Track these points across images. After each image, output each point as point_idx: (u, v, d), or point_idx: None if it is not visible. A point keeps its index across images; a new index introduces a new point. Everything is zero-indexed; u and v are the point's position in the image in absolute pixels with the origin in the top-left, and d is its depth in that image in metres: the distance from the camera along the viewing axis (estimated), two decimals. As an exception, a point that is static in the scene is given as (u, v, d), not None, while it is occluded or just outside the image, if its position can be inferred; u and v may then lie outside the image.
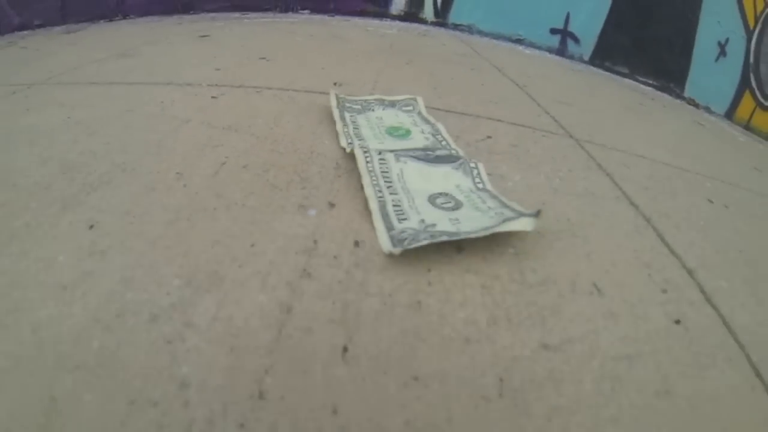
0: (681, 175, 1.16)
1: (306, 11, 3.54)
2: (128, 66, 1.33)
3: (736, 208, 1.10)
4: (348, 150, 0.77)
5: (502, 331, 0.46)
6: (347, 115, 0.90)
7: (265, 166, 0.71)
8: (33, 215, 0.60)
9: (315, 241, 0.53)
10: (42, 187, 0.66)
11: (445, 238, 0.55)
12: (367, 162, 0.72)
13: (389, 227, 0.58)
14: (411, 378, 0.42)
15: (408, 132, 0.86)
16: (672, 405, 0.44)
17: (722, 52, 3.96)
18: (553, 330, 0.48)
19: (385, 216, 0.61)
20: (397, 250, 0.53)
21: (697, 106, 3.78)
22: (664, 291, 0.56)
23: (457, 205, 0.64)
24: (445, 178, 0.70)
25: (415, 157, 0.74)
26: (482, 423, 0.40)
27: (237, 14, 3.15)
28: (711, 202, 1.05)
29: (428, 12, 3.67)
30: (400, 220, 0.60)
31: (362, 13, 3.57)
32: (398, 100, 1.00)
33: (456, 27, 3.67)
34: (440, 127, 0.89)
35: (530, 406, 0.42)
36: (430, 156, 0.76)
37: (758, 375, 0.52)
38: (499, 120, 1.03)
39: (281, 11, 3.49)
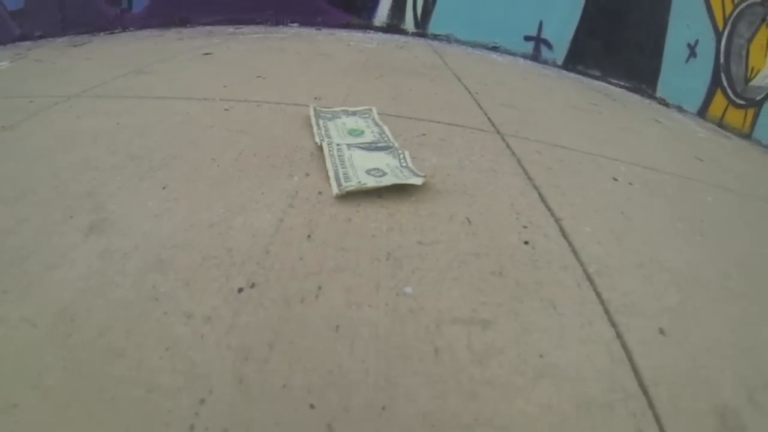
0: (596, 160, 1.45)
1: (295, 24, 3.83)
2: (150, 82, 1.64)
3: (642, 185, 1.39)
4: (318, 144, 1.10)
5: (395, 234, 0.78)
6: (321, 121, 1.24)
7: (267, 154, 1.06)
8: (121, 184, 0.93)
9: (296, 191, 0.86)
10: (119, 168, 0.98)
11: (368, 186, 0.90)
12: (329, 150, 1.05)
13: (338, 184, 0.90)
14: (340, 249, 0.71)
15: (362, 132, 1.18)
16: (503, 282, 0.73)
17: (692, 54, 4.29)
18: (427, 236, 0.78)
19: (336, 178, 0.93)
20: (340, 192, 0.87)
21: (667, 105, 4.10)
22: (525, 227, 0.85)
23: (383, 174, 0.96)
24: (379, 159, 1.01)
25: (361, 147, 1.07)
26: (371, 275, 0.69)
27: (231, 28, 3.46)
28: (615, 180, 1.34)
29: (409, 23, 3.96)
30: (345, 181, 0.92)
31: (348, 26, 3.87)
32: (358, 110, 1.33)
33: (435, 37, 3.96)
34: (385, 128, 1.20)
35: (404, 268, 0.70)
36: (372, 146, 1.08)
37: (591, 282, 0.80)
38: (438, 122, 1.33)
39: (272, 25, 3.78)
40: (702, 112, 4.48)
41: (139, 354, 0.54)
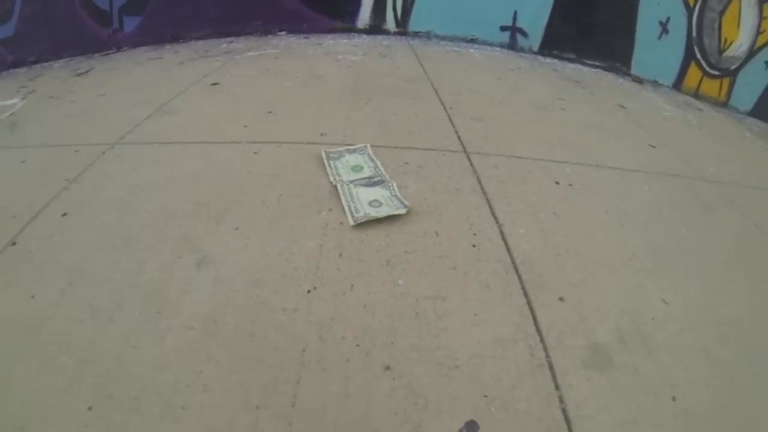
0: (545, 166, 1.92)
1: (283, 33, 4.29)
2: (177, 124, 2.07)
3: (581, 185, 1.85)
4: (333, 183, 1.56)
5: (390, 248, 1.28)
6: (331, 162, 1.69)
7: (298, 194, 1.51)
8: (204, 228, 1.39)
9: (326, 224, 1.34)
10: (195, 215, 1.42)
11: (371, 216, 1.36)
12: (341, 189, 1.51)
13: (352, 217, 1.37)
14: (359, 260, 1.21)
15: (362, 167, 1.65)
16: (456, 273, 1.23)
17: (664, 30, 4.77)
18: (410, 247, 1.28)
19: (350, 212, 1.39)
20: (354, 223, 1.33)
21: (641, 82, 4.58)
22: (475, 234, 1.34)
23: (380, 204, 1.42)
24: (376, 192, 1.49)
25: (363, 184, 1.54)
26: (379, 275, 1.19)
27: (224, 44, 3.88)
28: (557, 183, 1.83)
29: (390, 23, 4.40)
30: (356, 213, 1.39)
31: (332, 30, 4.32)
32: (357, 148, 1.79)
33: (416, 35, 4.40)
34: (378, 163, 1.67)
35: (397, 269, 1.20)
36: (370, 182, 1.55)
37: (516, 270, 1.30)
38: (416, 148, 1.80)
39: (261, 35, 4.24)
40: (677, 85, 4.99)
41: (263, 333, 1.03)
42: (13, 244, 1.38)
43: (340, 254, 1.26)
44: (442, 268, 1.23)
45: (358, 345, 1.04)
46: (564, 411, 0.98)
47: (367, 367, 1.00)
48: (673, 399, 1.07)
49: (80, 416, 0.95)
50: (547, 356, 1.08)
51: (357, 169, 1.64)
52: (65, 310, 1.15)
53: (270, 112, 2.15)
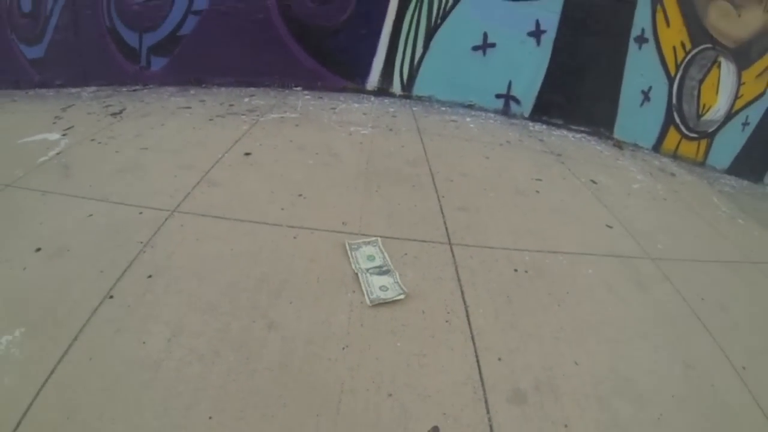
0: (509, 255, 2.75)
1: (299, 88, 5.12)
2: (225, 199, 2.81)
3: (535, 271, 2.68)
4: (354, 271, 2.37)
5: (395, 322, 2.12)
6: (352, 253, 2.48)
7: (330, 278, 2.31)
8: (267, 301, 2.19)
9: (352, 302, 2.18)
10: (257, 289, 2.20)
11: (381, 299, 2.21)
12: (360, 276, 2.33)
13: (368, 298, 2.19)
14: (375, 330, 2.09)
15: (374, 257, 2.45)
16: (434, 341, 2.13)
17: (646, 98, 5.73)
18: (407, 322, 2.16)
19: (367, 294, 2.21)
20: (371, 304, 2.16)
21: (621, 147, 5.47)
22: (448, 313, 2.25)
23: (387, 289, 2.25)
24: (384, 280, 2.32)
25: (375, 273, 2.37)
26: (389, 342, 2.07)
27: (247, 98, 4.60)
28: (516, 270, 2.69)
29: (396, 87, 5.22)
30: (371, 295, 2.21)
31: (344, 89, 5.16)
32: (371, 240, 2.57)
33: (419, 99, 5.26)
34: (386, 255, 2.48)
35: (399, 336, 2.10)
36: (380, 271, 2.37)
37: (473, 339, 2.20)
38: (414, 240, 2.66)
39: (279, 87, 5.07)
40: (656, 148, 5.93)
41: (316, 373, 1.88)
42: (111, 297, 2.06)
43: (362, 324, 2.10)
44: (425, 336, 2.09)
45: (373, 381, 1.86)
46: (491, 426, 1.85)
47: (377, 393, 1.82)
48: (565, 426, 1.94)
49: (204, 423, 1.67)
50: (485, 393, 1.93)
51: (371, 258, 2.49)
52: (175, 354, 1.85)
53: (300, 195, 2.96)
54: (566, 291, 2.61)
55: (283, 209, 2.83)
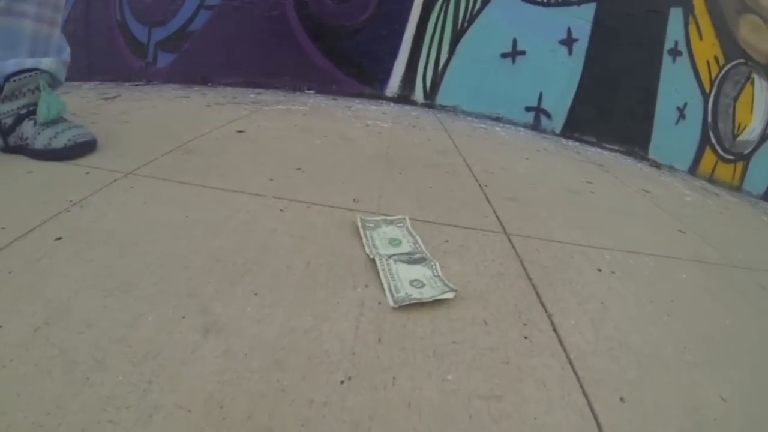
0: (585, 252, 1.81)
1: (312, 91, 4.26)
2: (198, 166, 1.87)
3: (622, 272, 1.74)
4: (370, 257, 1.40)
5: (436, 336, 1.11)
6: (367, 232, 1.53)
7: (330, 264, 1.32)
8: (216, 287, 1.14)
9: (363, 301, 1.16)
10: (208, 269, 1.21)
11: (413, 298, 1.21)
12: (380, 264, 1.34)
13: (393, 298, 1.23)
14: (402, 349, 1.06)
15: (400, 242, 1.51)
16: (509, 368, 1.09)
17: (681, 116, 4.73)
18: (458, 336, 1.13)
19: (390, 291, 1.23)
20: (395, 305, 1.17)
21: (659, 167, 4.51)
22: (525, 324, 1.20)
23: (422, 285, 1.28)
24: (418, 271, 1.35)
25: (403, 261, 1.41)
26: (424, 367, 1.05)
27: (252, 94, 3.79)
28: (600, 270, 1.70)
29: (418, 95, 4.38)
30: (396, 293, 1.23)
31: (361, 95, 4.30)
32: (395, 219, 1.64)
33: (442, 108, 4.37)
34: (418, 238, 1.54)
35: (445, 361, 1.07)
36: (410, 259, 1.41)
37: (572, 365, 1.16)
38: (456, 226, 1.69)
39: (290, 90, 4.20)
40: (693, 170, 4.91)
41: (282, 429, 0.83)
42: (-6, 260, 1.14)
43: (379, 339, 1.10)
44: (494, 362, 1.09)
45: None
46: None
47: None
48: None
49: None
50: (615, 466, 0.93)
51: (395, 242, 1.51)
52: (35, 353, 0.88)
53: (299, 169, 2.02)
54: (670, 299, 1.65)
55: (272, 180, 1.89)
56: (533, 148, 3.62)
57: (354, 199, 1.81)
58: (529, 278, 1.47)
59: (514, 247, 1.66)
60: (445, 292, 1.26)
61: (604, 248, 1.89)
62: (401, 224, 1.65)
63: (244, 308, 1.11)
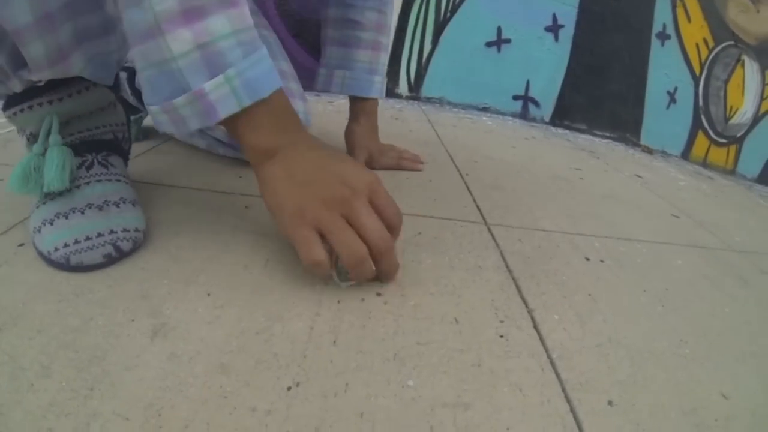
0: (572, 240, 1.67)
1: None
2: (161, 159, 1.83)
3: (613, 261, 1.61)
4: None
5: (399, 337, 0.97)
6: None
7: (289, 260, 1.21)
8: (169, 288, 1.02)
9: (320, 301, 1.06)
10: (164, 270, 1.09)
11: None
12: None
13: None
14: (359, 352, 0.93)
15: None
16: (481, 371, 0.95)
17: (672, 100, 4.60)
18: (423, 337, 0.99)
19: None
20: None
21: (651, 152, 4.37)
22: (502, 321, 1.06)
23: None
24: None
25: None
26: (383, 372, 0.92)
27: None
28: (588, 259, 1.57)
29: (403, 88, 4.23)
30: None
31: (343, 90, 4.16)
32: None
33: (428, 100, 4.23)
34: None
35: (407, 365, 0.93)
36: None
37: (553, 366, 1.02)
38: (431, 217, 1.54)
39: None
40: (685, 154, 4.79)
41: None
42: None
43: (334, 341, 0.96)
44: (464, 364, 0.95)
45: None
46: None
47: None
48: None
49: None
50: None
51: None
52: None
53: None
54: (665, 287, 1.52)
55: (241, 177, 1.74)
56: (521, 136, 3.48)
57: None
58: (509, 270, 1.33)
59: (494, 237, 1.52)
60: None
61: (594, 236, 1.75)
62: None
63: (195, 309, 0.98)
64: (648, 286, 1.48)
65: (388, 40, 1.67)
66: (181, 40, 0.70)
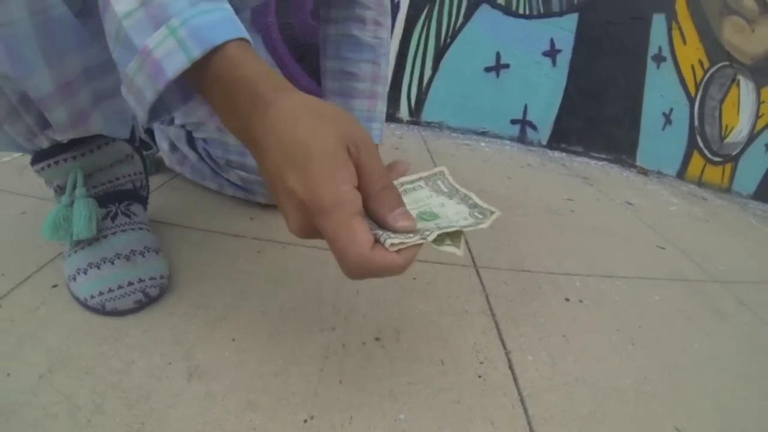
0: (555, 280, 1.87)
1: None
2: (178, 202, 1.85)
3: (591, 300, 1.79)
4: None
5: (394, 377, 1.19)
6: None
7: (300, 307, 1.38)
8: (198, 332, 1.19)
9: (327, 346, 1.27)
10: (191, 316, 1.23)
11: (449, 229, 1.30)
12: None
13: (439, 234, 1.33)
14: (360, 390, 1.14)
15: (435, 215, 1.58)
16: (460, 408, 1.17)
17: (668, 121, 4.81)
18: (414, 377, 1.20)
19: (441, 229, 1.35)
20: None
21: (646, 174, 4.57)
22: (481, 363, 1.25)
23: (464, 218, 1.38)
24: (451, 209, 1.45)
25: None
26: (379, 408, 1.13)
27: None
28: (567, 300, 1.77)
29: (403, 113, 4.42)
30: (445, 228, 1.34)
31: (348, 113, 4.37)
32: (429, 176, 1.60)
33: (428, 125, 4.42)
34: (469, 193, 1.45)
35: (399, 402, 1.14)
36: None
37: (522, 403, 1.23)
38: (426, 261, 1.75)
39: None
40: (681, 174, 4.99)
41: None
42: (-2, 307, 1.23)
43: (341, 381, 1.17)
44: (446, 401, 1.16)
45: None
46: None
47: None
48: None
49: None
50: None
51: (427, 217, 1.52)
52: (42, 399, 0.95)
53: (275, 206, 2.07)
54: (638, 325, 1.72)
55: (252, 219, 1.88)
56: (517, 164, 3.68)
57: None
58: (492, 314, 1.54)
59: (481, 280, 1.73)
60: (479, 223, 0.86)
61: (576, 274, 1.95)
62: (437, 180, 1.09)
63: (222, 353, 1.17)
64: (622, 325, 1.68)
65: (385, 89, 1.85)
66: (124, 1, 0.63)
